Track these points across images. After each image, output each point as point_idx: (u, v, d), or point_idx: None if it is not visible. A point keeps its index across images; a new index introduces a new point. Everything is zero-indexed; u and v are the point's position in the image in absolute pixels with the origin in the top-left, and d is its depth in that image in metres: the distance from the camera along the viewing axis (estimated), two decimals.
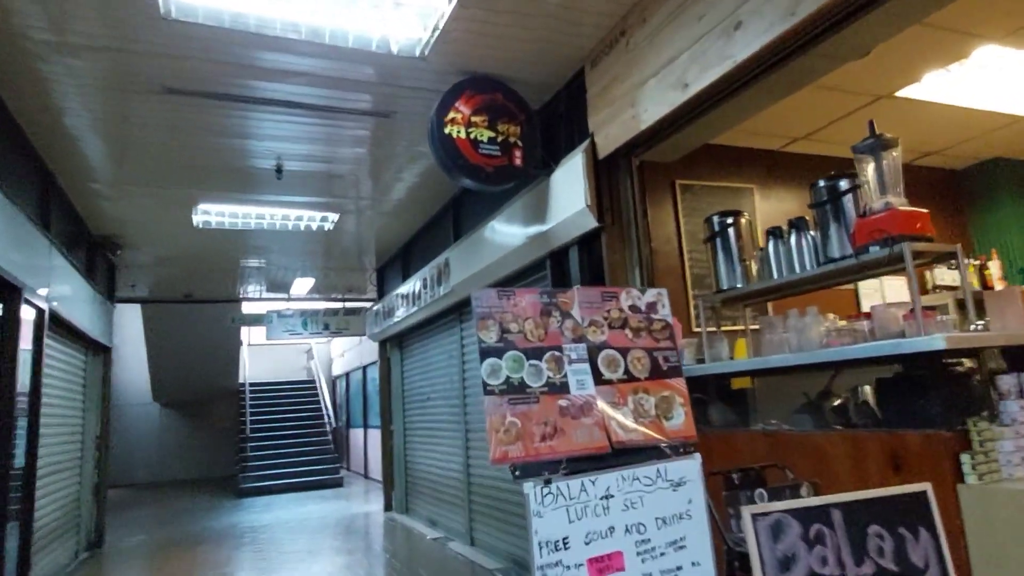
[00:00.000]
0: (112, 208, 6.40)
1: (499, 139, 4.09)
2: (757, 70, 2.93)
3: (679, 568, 1.88)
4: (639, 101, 3.48)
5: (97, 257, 7.44)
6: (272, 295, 11.07)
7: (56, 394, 6.16)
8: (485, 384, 1.91)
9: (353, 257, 9.03)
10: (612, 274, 3.84)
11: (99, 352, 7.82)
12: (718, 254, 3.70)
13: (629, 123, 3.56)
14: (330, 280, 10.33)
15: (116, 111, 4.44)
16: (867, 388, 3.33)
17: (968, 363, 2.79)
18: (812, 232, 3.22)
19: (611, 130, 3.74)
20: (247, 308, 11.89)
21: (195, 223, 6.78)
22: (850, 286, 4.86)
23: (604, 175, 3.90)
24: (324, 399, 15.79)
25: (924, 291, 5.09)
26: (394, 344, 9.25)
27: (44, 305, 5.07)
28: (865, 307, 4.77)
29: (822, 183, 3.11)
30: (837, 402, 3.20)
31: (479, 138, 4.03)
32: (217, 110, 4.49)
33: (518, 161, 4.11)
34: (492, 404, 1.88)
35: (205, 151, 5.16)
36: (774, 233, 3.38)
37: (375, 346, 10.13)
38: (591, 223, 3.88)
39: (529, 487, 1.77)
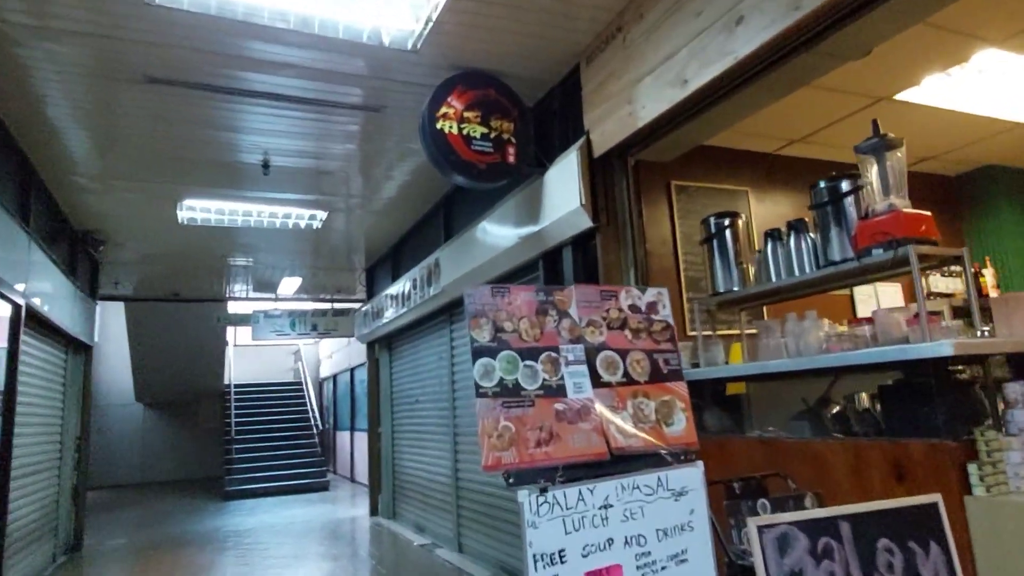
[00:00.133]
0: (95, 202, 6.24)
1: (492, 135, 3.99)
2: (758, 67, 2.85)
3: None
4: (636, 98, 3.40)
5: (79, 253, 7.28)
6: (259, 295, 10.91)
7: (34, 393, 5.99)
8: (477, 386, 1.80)
9: (342, 256, 8.90)
10: (607, 275, 3.75)
11: (80, 350, 7.64)
12: (715, 256, 3.61)
13: (626, 120, 3.47)
14: (318, 280, 10.19)
15: (99, 100, 4.31)
16: (863, 395, 3.26)
17: (972, 371, 2.72)
18: (812, 234, 3.14)
19: (607, 127, 3.66)
20: (233, 308, 11.72)
21: (180, 219, 6.63)
22: (844, 292, 4.80)
23: (599, 174, 3.81)
24: (311, 401, 15.61)
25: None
26: (383, 346, 9.12)
27: (21, 301, 4.92)
28: (861, 313, 4.70)
29: (823, 184, 3.03)
30: (836, 409, 3.12)
31: (472, 134, 3.93)
32: (203, 101, 4.37)
33: (511, 158, 4.02)
34: (485, 407, 1.78)
35: (190, 144, 5.03)
36: (773, 235, 3.30)
37: (363, 348, 10.00)
38: (586, 223, 3.79)
39: (524, 496, 1.67)
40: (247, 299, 11.14)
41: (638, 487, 1.82)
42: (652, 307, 2.11)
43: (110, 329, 13.65)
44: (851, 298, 4.79)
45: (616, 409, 1.92)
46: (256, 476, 12.55)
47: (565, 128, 4.15)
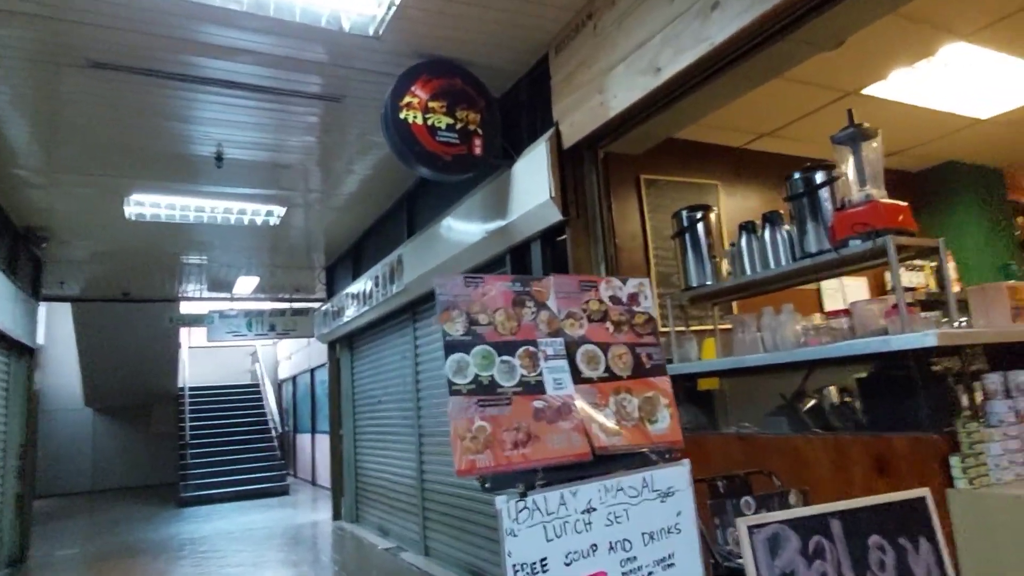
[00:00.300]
0: (37, 197, 5.90)
1: (458, 126, 3.85)
2: (734, 54, 2.78)
3: None
4: (608, 87, 3.30)
5: (20, 251, 6.89)
6: (214, 294, 10.56)
7: None
8: (450, 383, 1.67)
9: (301, 254, 8.64)
10: (577, 270, 3.64)
11: (23, 354, 7.25)
12: (687, 250, 3.54)
13: (597, 110, 3.38)
14: (276, 279, 9.89)
15: (40, 87, 4.04)
16: (832, 389, 3.22)
17: (948, 363, 2.69)
18: (787, 227, 3.08)
19: (577, 118, 3.55)
20: (187, 308, 11.32)
21: (128, 215, 6.32)
22: (813, 287, 4.79)
23: (569, 166, 3.71)
24: (269, 403, 15.22)
25: (883, 291, 5.06)
26: (344, 345, 8.90)
27: None
28: (828, 307, 4.70)
29: (798, 175, 2.98)
30: (813, 403, 3.07)
31: (437, 124, 3.79)
32: (152, 89, 4.13)
33: (478, 150, 3.89)
34: (458, 406, 1.65)
35: (138, 134, 4.78)
36: (747, 228, 3.24)
37: (324, 348, 9.75)
38: (555, 216, 3.69)
39: (502, 502, 1.55)
40: (201, 299, 10.78)
41: (622, 489, 1.71)
42: (633, 298, 2.00)
43: (57, 331, 13.10)
44: (819, 292, 4.79)
45: (598, 406, 1.81)
46: (213, 481, 12.18)
47: (533, 119, 4.04)
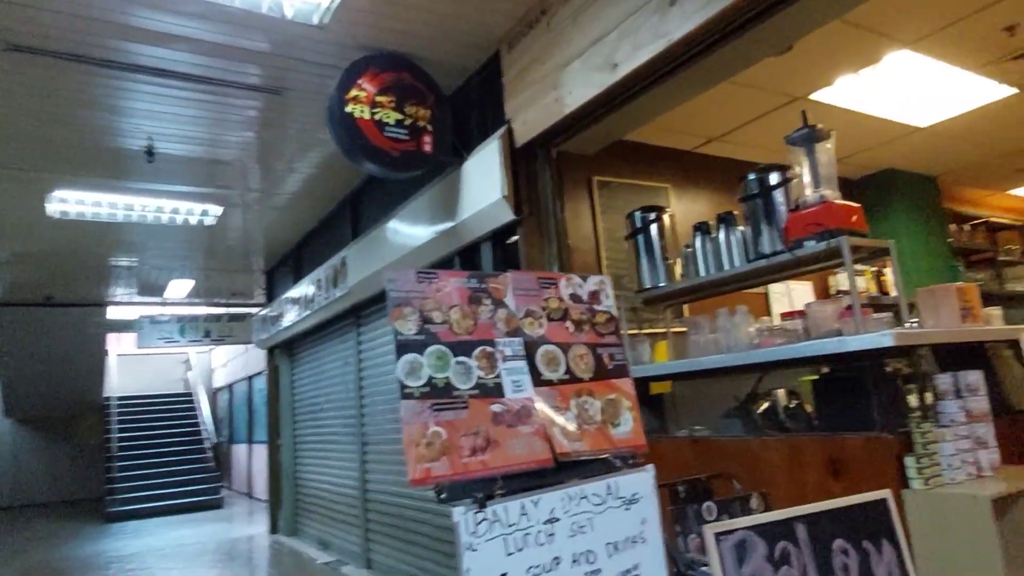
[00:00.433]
0: None
1: (407, 122, 3.72)
2: (692, 51, 2.74)
3: None
4: (563, 83, 3.23)
5: None
6: (144, 298, 10.05)
7: None
8: (402, 386, 1.54)
9: (239, 256, 8.29)
10: (530, 271, 3.55)
11: None
12: (640, 252, 3.50)
13: (551, 107, 3.30)
14: (212, 282, 9.48)
15: None
16: (783, 391, 3.22)
17: (898, 363, 2.70)
18: (741, 227, 3.07)
19: (530, 115, 3.47)
20: (115, 313, 10.75)
21: (50, 213, 5.92)
22: (760, 290, 4.83)
23: (521, 165, 3.62)
24: (203, 413, 14.61)
25: (828, 295, 5.15)
26: (283, 351, 8.58)
27: None
28: (776, 311, 4.74)
29: (753, 176, 2.96)
30: (766, 406, 3.05)
31: (384, 120, 3.64)
32: (77, 76, 3.85)
33: (427, 147, 3.76)
34: (411, 411, 1.52)
35: (62, 125, 4.46)
36: (701, 229, 3.21)
37: (262, 355, 9.39)
38: (507, 216, 3.59)
39: (460, 514, 1.43)
40: (131, 303, 10.25)
41: (586, 497, 1.61)
42: (594, 296, 1.91)
43: None
44: (767, 296, 4.83)
45: (559, 410, 1.71)
46: (142, 495, 11.63)
47: (484, 117, 3.94)
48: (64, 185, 5.48)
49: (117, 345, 14.58)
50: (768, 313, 4.79)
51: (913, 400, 2.61)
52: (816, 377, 3.35)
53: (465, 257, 4.11)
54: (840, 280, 5.13)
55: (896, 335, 2.24)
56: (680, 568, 1.90)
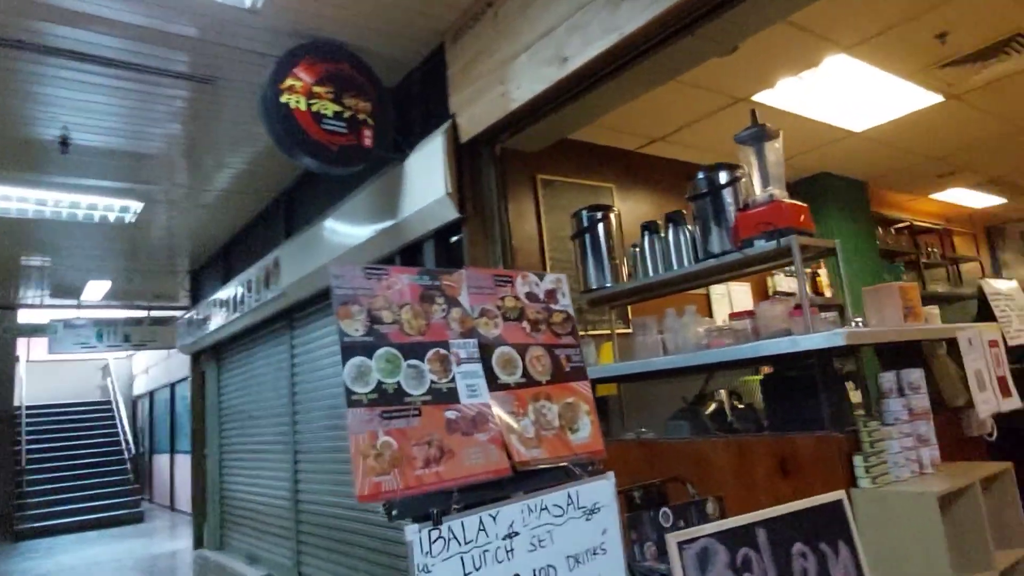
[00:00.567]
0: None
1: (346, 115, 3.55)
2: (643, 46, 2.69)
3: None
4: (510, 78, 3.14)
5: None
6: (58, 301, 9.42)
7: None
8: (349, 392, 1.41)
9: (162, 256, 7.85)
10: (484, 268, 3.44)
11: None
12: (587, 252, 3.44)
13: (498, 102, 3.20)
14: (133, 284, 8.96)
15: None
16: (729, 392, 3.23)
17: (848, 362, 2.73)
18: (689, 227, 3.05)
19: (476, 110, 3.37)
20: (25, 316, 10.05)
21: None
22: (702, 291, 4.86)
23: (466, 161, 3.51)
24: (122, 422, 13.85)
25: (766, 296, 5.24)
26: (210, 356, 8.18)
27: None
28: (717, 312, 4.79)
29: (702, 175, 2.94)
30: (714, 407, 3.04)
31: (322, 111, 3.47)
32: None
33: (368, 141, 3.60)
34: (359, 419, 1.39)
35: None
36: (650, 228, 3.18)
37: (186, 360, 8.93)
38: (451, 214, 3.47)
39: (413, 532, 1.31)
40: (43, 307, 9.58)
41: (547, 508, 1.52)
42: (551, 295, 1.83)
43: None
44: (708, 297, 4.87)
45: (516, 415, 1.61)
46: (55, 511, 10.95)
47: (427, 112, 3.81)
48: None
49: (28, 351, 13.66)
50: (710, 314, 4.82)
51: (858, 399, 2.64)
52: (760, 377, 3.37)
53: (407, 256, 3.97)
54: (779, 281, 5.23)
55: (847, 334, 2.25)
56: None
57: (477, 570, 1.37)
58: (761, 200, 2.68)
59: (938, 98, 4.43)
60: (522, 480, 1.57)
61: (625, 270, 3.39)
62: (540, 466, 1.59)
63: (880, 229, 6.28)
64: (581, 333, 3.61)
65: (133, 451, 13.33)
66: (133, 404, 15.95)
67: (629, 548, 1.97)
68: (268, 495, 6.51)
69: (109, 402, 14.67)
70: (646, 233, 3.16)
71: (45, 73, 3.74)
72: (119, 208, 5.99)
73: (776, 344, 2.42)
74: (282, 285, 5.38)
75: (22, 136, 4.46)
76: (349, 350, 1.44)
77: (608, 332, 3.84)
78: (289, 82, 3.38)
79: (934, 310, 2.86)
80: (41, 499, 11.14)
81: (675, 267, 3.01)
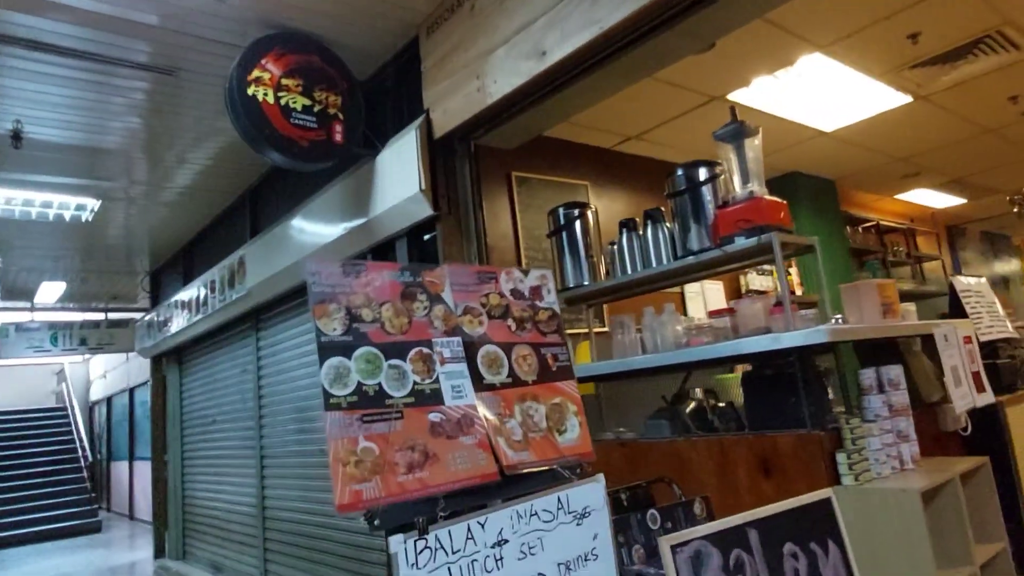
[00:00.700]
0: None
1: (316, 109, 3.44)
2: (623, 41, 2.65)
3: None
4: (487, 72, 3.07)
5: None
6: (9, 303, 9.06)
7: None
8: (327, 395, 1.33)
9: (120, 256, 7.59)
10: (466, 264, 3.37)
11: None
12: (564, 250, 3.39)
13: (474, 97, 3.13)
14: (89, 286, 8.65)
15: None
16: (708, 391, 3.20)
17: (829, 360, 2.72)
18: (668, 224, 3.01)
19: (451, 105, 3.29)
20: None
21: None
22: (676, 290, 4.85)
23: (440, 158, 3.42)
24: (78, 429, 13.40)
25: (738, 295, 5.25)
26: (171, 360, 7.94)
27: None
28: (691, 310, 4.78)
29: (681, 171, 2.91)
30: (693, 405, 3.00)
31: (291, 105, 3.35)
32: None
33: (338, 136, 3.50)
34: (337, 424, 1.31)
35: None
36: (628, 226, 3.13)
37: (146, 364, 8.65)
38: (425, 211, 3.39)
39: (398, 543, 1.23)
40: None
41: (536, 513, 1.45)
42: (536, 292, 1.76)
43: None
44: (683, 296, 4.86)
45: (503, 417, 1.54)
46: (7, 522, 10.54)
47: (400, 107, 3.72)
48: None
49: None
50: (684, 313, 4.82)
51: (840, 396, 2.63)
52: (734, 376, 3.35)
53: (378, 255, 3.87)
54: (752, 280, 5.25)
55: (829, 331, 2.23)
56: None
57: None
58: (741, 197, 2.66)
59: (907, 99, 4.49)
60: (510, 485, 1.50)
61: (603, 268, 3.35)
62: (528, 470, 1.52)
63: (848, 228, 6.37)
64: None
65: (90, 458, 12.90)
66: (90, 410, 15.46)
67: (616, 552, 1.92)
68: (233, 502, 6.33)
69: (65, 408, 14.19)
70: (624, 231, 3.11)
71: None
72: (75, 206, 5.76)
73: (758, 342, 2.40)
74: (247, 285, 5.22)
75: None
76: (327, 350, 1.36)
77: (584, 331, 3.79)
78: (256, 73, 3.27)
79: (911, 307, 2.88)
80: None
81: (654, 265, 2.97)
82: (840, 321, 2.68)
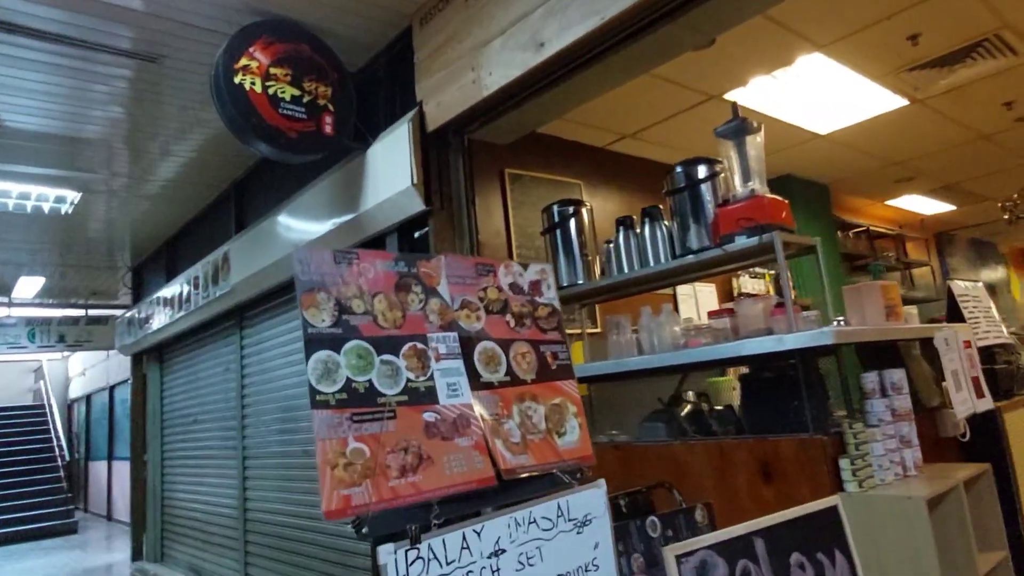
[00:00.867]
0: None
1: (305, 99, 3.34)
2: (623, 33, 2.57)
3: None
4: (483, 63, 2.98)
5: None
6: None
7: None
8: (314, 392, 1.24)
9: (101, 251, 7.42)
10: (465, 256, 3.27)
11: None
12: (558, 248, 3.31)
13: (469, 89, 3.04)
14: (68, 281, 8.46)
15: None
16: (706, 394, 3.14)
17: (831, 362, 2.66)
18: (666, 223, 2.94)
19: (445, 97, 3.20)
20: None
21: None
22: (668, 291, 4.79)
23: (433, 151, 3.33)
24: (55, 427, 13.13)
25: (731, 298, 5.20)
26: (152, 358, 7.77)
27: None
28: (684, 312, 4.71)
29: (680, 168, 2.84)
30: (690, 408, 2.93)
31: (280, 95, 3.25)
32: None
33: (328, 128, 3.40)
34: (326, 423, 1.22)
35: None
36: (625, 224, 3.06)
37: (126, 362, 8.47)
38: (417, 206, 3.29)
39: (388, 554, 1.14)
40: None
41: (535, 521, 1.37)
42: (536, 287, 1.68)
43: None
44: (675, 297, 4.79)
45: (501, 417, 1.46)
46: None
47: (393, 99, 3.62)
48: None
49: None
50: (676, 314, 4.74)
51: (843, 399, 2.57)
52: (727, 379, 3.28)
53: None
54: (744, 283, 5.19)
55: (835, 333, 2.16)
56: None
57: None
58: (742, 195, 2.59)
59: (903, 102, 4.46)
60: (507, 490, 1.41)
61: (597, 267, 3.27)
62: (527, 474, 1.44)
63: (840, 233, 6.34)
64: None
65: (67, 458, 12.65)
66: (69, 408, 15.17)
67: (616, 561, 1.84)
68: (213, 503, 6.19)
69: (42, 406, 13.91)
70: (621, 228, 3.04)
71: None
72: (54, 198, 5.61)
73: (762, 343, 2.33)
74: (232, 282, 5.10)
75: None
76: (314, 343, 1.26)
77: (577, 332, 3.71)
78: (244, 62, 3.16)
79: (912, 310, 2.82)
80: None
81: (651, 264, 2.90)
82: (843, 323, 2.62)
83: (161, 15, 3.29)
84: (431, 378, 1.39)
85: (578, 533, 1.44)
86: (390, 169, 3.36)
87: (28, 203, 5.61)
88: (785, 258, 2.54)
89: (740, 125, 2.63)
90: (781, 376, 2.55)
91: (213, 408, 6.32)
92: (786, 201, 2.60)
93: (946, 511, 2.26)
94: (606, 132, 4.51)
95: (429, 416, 1.35)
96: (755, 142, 2.65)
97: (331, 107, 3.41)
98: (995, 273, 9.58)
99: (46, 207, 5.72)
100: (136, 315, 7.58)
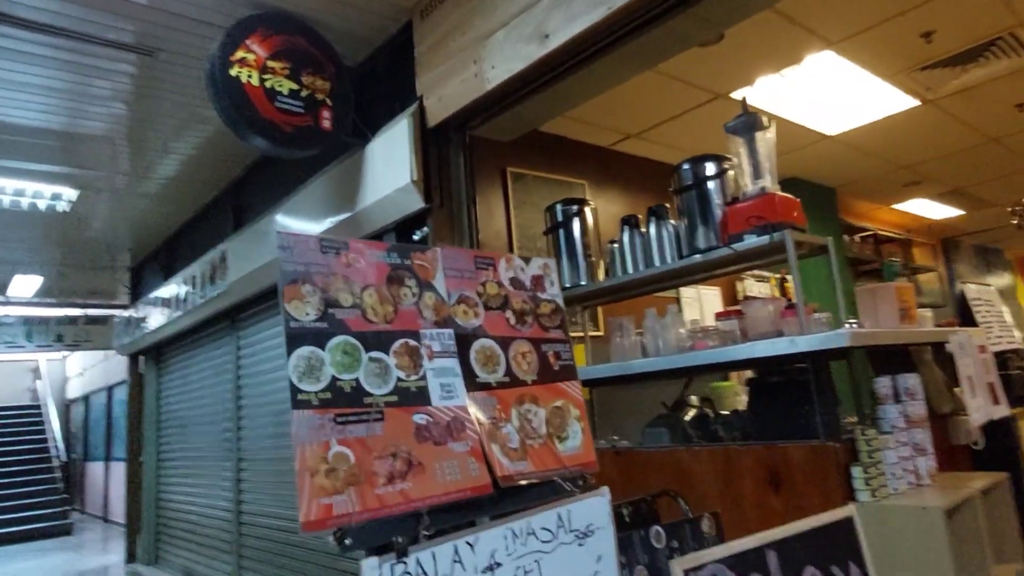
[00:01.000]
0: None
1: (303, 93, 3.26)
2: (631, 24, 2.49)
3: None
4: (485, 56, 2.90)
5: None
6: None
7: None
8: (295, 390, 1.15)
9: (99, 250, 7.34)
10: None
11: None
12: (561, 248, 3.23)
13: (471, 83, 2.96)
14: (67, 280, 8.38)
15: None
16: (694, 398, 3.05)
17: (842, 366, 2.57)
18: (673, 222, 2.85)
19: (446, 92, 3.12)
20: None
21: None
22: (671, 294, 4.70)
23: (433, 147, 3.25)
24: (53, 428, 13.05)
25: (735, 301, 5.10)
26: (150, 358, 7.69)
27: None
28: (688, 315, 4.62)
29: (687, 165, 2.75)
30: (695, 413, 2.84)
31: (277, 88, 3.17)
32: None
33: (326, 123, 3.32)
34: (307, 425, 1.13)
35: None
36: (630, 223, 2.97)
37: (124, 362, 8.40)
38: (416, 204, 3.21)
39: (372, 567, 1.05)
40: None
41: (534, 532, 1.28)
42: (538, 282, 1.59)
43: None
44: (678, 301, 4.70)
45: (498, 421, 1.37)
46: None
47: (392, 94, 3.54)
48: None
49: None
50: None
51: (855, 404, 2.47)
52: (730, 384, 3.18)
53: None
54: (748, 286, 5.10)
55: (850, 335, 2.07)
56: None
57: None
58: (752, 193, 2.51)
59: (914, 102, 4.37)
60: (504, 499, 1.32)
61: (601, 269, 3.19)
62: (526, 482, 1.35)
63: (846, 237, 6.25)
64: None
65: (64, 458, 12.56)
66: (66, 408, 15.10)
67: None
68: (208, 506, 6.10)
69: (39, 406, 13.83)
70: (626, 228, 2.95)
71: None
72: (51, 195, 5.53)
73: (773, 345, 2.24)
74: (228, 281, 5.02)
75: None
76: (297, 338, 1.17)
77: (579, 334, 3.62)
78: (240, 54, 3.08)
79: (927, 313, 2.73)
80: None
81: (657, 264, 2.81)
82: (856, 325, 2.53)
83: (158, 7, 3.22)
84: (423, 378, 1.30)
85: (580, 545, 1.35)
86: (389, 165, 3.28)
87: (24, 200, 5.53)
88: (797, 258, 2.46)
89: (750, 120, 2.55)
90: (790, 380, 2.46)
91: (209, 410, 6.24)
92: (798, 200, 2.51)
93: (961, 522, 2.17)
94: (611, 131, 4.42)
95: (420, 419, 1.26)
96: (765, 138, 2.56)
97: (329, 102, 3.33)
98: (1001, 279, 9.48)
99: (43, 204, 5.65)
100: (134, 315, 7.52)
